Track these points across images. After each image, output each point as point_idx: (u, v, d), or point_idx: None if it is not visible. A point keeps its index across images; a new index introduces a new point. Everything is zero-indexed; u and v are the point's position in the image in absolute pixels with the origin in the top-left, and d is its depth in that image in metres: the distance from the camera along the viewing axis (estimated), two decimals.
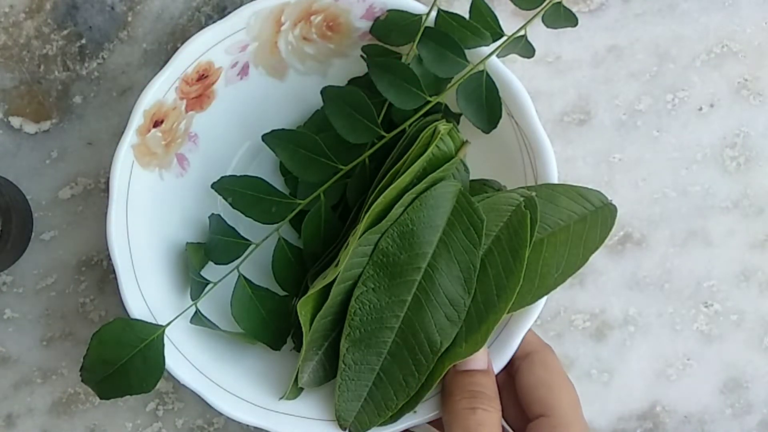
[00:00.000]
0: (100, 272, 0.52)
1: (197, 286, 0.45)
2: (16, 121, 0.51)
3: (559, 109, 0.53)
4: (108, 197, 0.43)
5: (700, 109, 0.54)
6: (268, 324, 0.46)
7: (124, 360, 0.42)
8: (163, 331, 0.43)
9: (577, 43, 0.53)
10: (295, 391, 0.45)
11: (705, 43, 0.54)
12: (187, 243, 0.46)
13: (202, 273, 0.46)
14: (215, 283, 0.45)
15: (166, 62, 0.43)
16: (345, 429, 0.44)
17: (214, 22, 0.52)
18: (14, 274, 0.52)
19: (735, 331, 0.54)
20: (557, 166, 0.44)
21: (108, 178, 0.51)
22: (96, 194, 0.52)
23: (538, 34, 0.52)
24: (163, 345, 0.43)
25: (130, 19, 0.51)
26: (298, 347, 0.47)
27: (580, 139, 0.53)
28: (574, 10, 0.52)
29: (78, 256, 0.52)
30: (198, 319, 0.45)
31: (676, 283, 0.54)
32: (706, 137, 0.54)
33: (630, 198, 0.53)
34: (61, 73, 0.51)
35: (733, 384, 0.54)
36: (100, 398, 0.43)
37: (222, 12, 0.52)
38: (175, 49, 0.51)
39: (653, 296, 0.53)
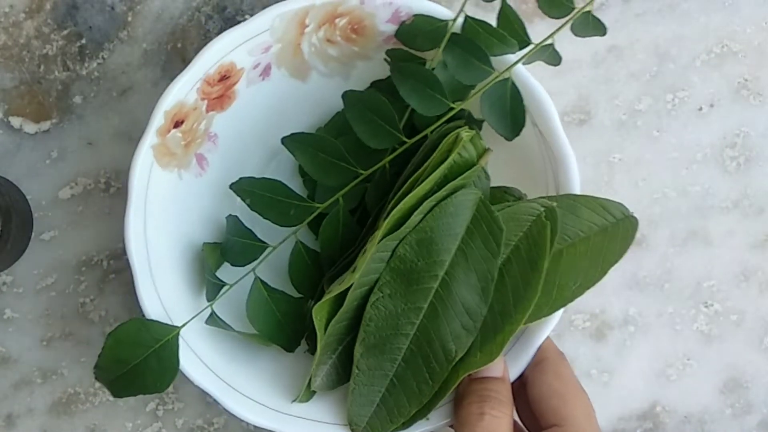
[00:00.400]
0: (100, 272, 0.52)
1: (213, 288, 0.45)
2: (16, 121, 0.51)
3: (560, 109, 0.53)
4: (124, 197, 0.43)
5: (700, 109, 0.54)
6: (283, 326, 0.46)
7: (138, 360, 0.42)
8: (178, 332, 0.43)
9: (577, 43, 0.53)
10: (307, 394, 0.44)
11: (705, 43, 0.54)
12: (204, 243, 0.46)
13: (218, 274, 0.46)
14: (231, 285, 0.45)
15: (188, 63, 0.42)
16: None
17: (214, 22, 0.52)
18: (14, 274, 0.52)
19: (735, 331, 0.54)
20: None
21: (108, 178, 0.52)
22: (96, 194, 0.52)
23: (538, 32, 0.52)
24: (178, 346, 0.43)
25: (130, 19, 0.51)
26: (312, 350, 0.47)
27: (580, 139, 0.53)
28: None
29: (78, 256, 0.52)
30: (213, 320, 0.45)
31: (676, 283, 0.54)
32: (706, 137, 0.54)
33: (630, 198, 0.53)
34: (61, 73, 0.51)
35: (733, 384, 0.54)
36: (114, 396, 0.43)
37: (222, 12, 0.52)
38: (175, 49, 0.52)
39: (653, 296, 0.53)
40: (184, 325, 0.43)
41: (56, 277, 0.52)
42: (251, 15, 0.51)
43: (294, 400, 0.45)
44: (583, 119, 0.53)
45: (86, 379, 0.52)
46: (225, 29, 0.51)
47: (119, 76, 0.52)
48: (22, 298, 0.52)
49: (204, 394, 0.52)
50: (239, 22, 0.51)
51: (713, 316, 0.54)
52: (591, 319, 0.53)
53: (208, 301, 0.45)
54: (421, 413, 0.43)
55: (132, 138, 0.51)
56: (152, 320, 0.43)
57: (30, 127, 0.51)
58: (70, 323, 0.52)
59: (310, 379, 0.44)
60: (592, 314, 0.53)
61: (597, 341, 0.53)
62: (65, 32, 0.51)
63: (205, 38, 0.52)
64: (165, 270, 0.45)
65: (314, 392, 0.45)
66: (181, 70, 0.42)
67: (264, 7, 0.51)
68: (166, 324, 0.43)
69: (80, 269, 0.52)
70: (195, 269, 0.46)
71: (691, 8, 0.53)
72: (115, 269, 0.52)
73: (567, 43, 0.53)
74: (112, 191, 0.51)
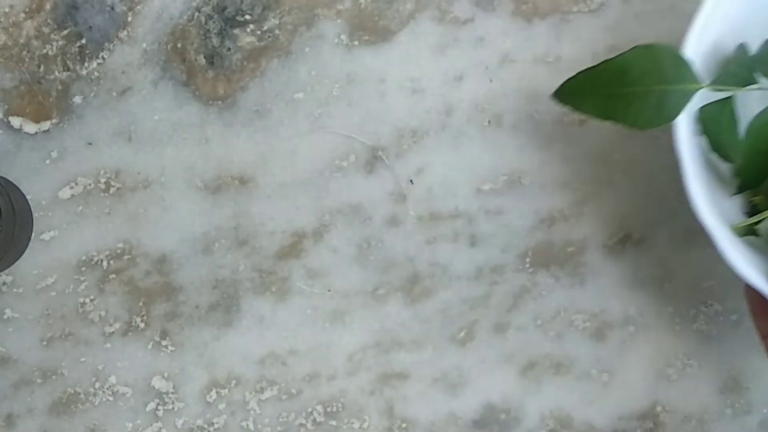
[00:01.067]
0: (100, 272, 0.52)
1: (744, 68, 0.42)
2: (16, 121, 0.51)
3: (560, 109, 0.53)
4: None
5: None
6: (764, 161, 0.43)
7: (643, 88, 0.40)
8: (700, 89, 0.41)
9: (577, 43, 0.53)
10: (745, 229, 0.43)
11: None
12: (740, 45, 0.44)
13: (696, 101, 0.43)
14: None
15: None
16: None
17: (214, 22, 0.52)
18: (14, 274, 0.52)
19: (735, 330, 0.54)
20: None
21: (108, 178, 0.52)
22: (96, 194, 0.52)
23: (538, 33, 0.52)
24: (688, 102, 0.40)
25: (130, 19, 0.51)
26: (753, 204, 0.45)
27: (580, 138, 0.53)
28: (574, 10, 0.53)
29: (78, 256, 0.52)
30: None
31: (675, 283, 0.54)
32: None
33: (630, 198, 0.53)
34: (61, 73, 0.51)
35: (733, 384, 0.54)
36: (576, 110, 0.41)
37: (222, 12, 0.52)
38: (175, 49, 0.52)
39: (653, 296, 0.54)
40: (733, 95, 0.41)
41: (56, 277, 0.52)
42: (251, 15, 0.52)
43: (732, 226, 0.43)
44: (584, 119, 0.53)
45: (86, 378, 0.52)
46: (225, 29, 0.52)
47: (119, 76, 0.52)
48: (22, 298, 0.52)
49: (204, 393, 0.52)
50: (239, 23, 0.52)
51: (713, 316, 0.54)
52: (591, 319, 0.53)
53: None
54: None
55: (132, 138, 0.51)
56: (688, 61, 0.41)
57: (30, 127, 0.51)
58: (70, 323, 0.52)
59: (758, 219, 0.43)
60: (592, 314, 0.53)
61: (597, 341, 0.53)
62: (65, 32, 0.51)
63: (205, 38, 0.52)
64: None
65: (751, 233, 0.43)
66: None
67: (264, 8, 0.52)
68: (697, 78, 0.40)
69: (80, 269, 0.52)
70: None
71: (691, 9, 0.53)
72: (114, 269, 0.52)
73: (567, 43, 0.53)
74: (112, 191, 0.52)
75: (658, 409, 0.54)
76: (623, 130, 0.53)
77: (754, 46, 0.45)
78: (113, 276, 0.52)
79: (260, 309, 0.52)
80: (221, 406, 0.52)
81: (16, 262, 0.51)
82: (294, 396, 0.52)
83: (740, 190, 0.45)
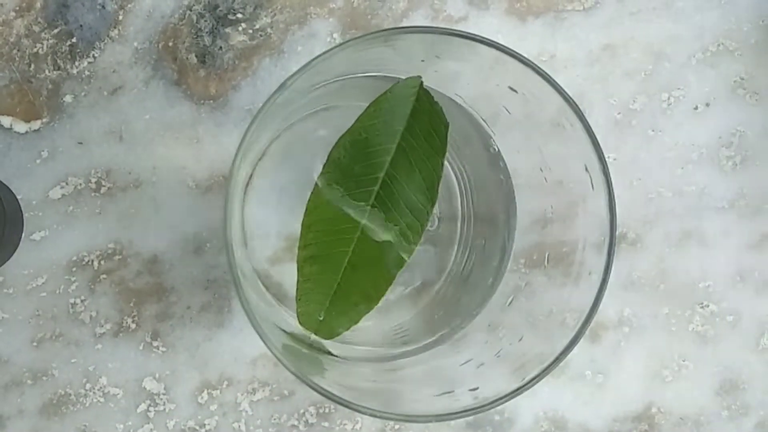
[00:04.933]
0: (91, 273, 0.51)
1: None
2: (6, 121, 0.51)
3: (554, 109, 0.53)
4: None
5: (696, 108, 0.53)
6: None
7: None
8: None
9: (571, 41, 0.53)
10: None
11: (701, 42, 0.53)
12: None
13: None
14: None
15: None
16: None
17: (205, 20, 0.52)
18: (4, 274, 0.51)
19: (731, 332, 0.54)
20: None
21: (99, 178, 0.51)
22: (86, 194, 0.51)
23: (532, 31, 0.52)
24: None
25: (121, 17, 0.51)
26: None
27: (574, 138, 0.53)
28: (568, 8, 0.52)
29: (68, 256, 0.51)
30: None
31: (671, 284, 0.53)
32: (701, 136, 0.53)
33: (625, 198, 0.53)
34: (51, 72, 0.51)
35: (729, 386, 0.54)
36: None
37: (214, 10, 0.51)
38: (166, 48, 0.51)
39: (648, 297, 0.53)
40: None
41: (47, 277, 0.51)
42: (243, 14, 0.51)
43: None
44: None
45: (77, 380, 0.51)
46: (217, 28, 0.51)
47: (110, 75, 0.51)
48: (13, 299, 0.51)
49: (196, 395, 0.52)
50: (231, 21, 0.51)
51: (709, 317, 0.54)
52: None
53: None
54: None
55: (122, 138, 0.51)
56: None
57: (20, 127, 0.51)
58: (61, 324, 0.51)
59: None
60: (585, 314, 0.53)
61: (591, 342, 0.53)
62: (56, 31, 0.51)
63: (197, 37, 0.51)
64: None
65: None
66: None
67: (256, 6, 0.51)
68: None
69: (71, 269, 0.51)
70: None
71: (687, 6, 0.53)
72: (105, 269, 0.51)
73: (561, 41, 0.53)
74: (103, 191, 0.51)
75: (654, 410, 0.53)
76: (618, 130, 0.53)
77: None
78: (104, 276, 0.51)
79: None
80: (213, 408, 0.52)
81: (7, 263, 0.51)
82: (286, 397, 0.52)
83: None
